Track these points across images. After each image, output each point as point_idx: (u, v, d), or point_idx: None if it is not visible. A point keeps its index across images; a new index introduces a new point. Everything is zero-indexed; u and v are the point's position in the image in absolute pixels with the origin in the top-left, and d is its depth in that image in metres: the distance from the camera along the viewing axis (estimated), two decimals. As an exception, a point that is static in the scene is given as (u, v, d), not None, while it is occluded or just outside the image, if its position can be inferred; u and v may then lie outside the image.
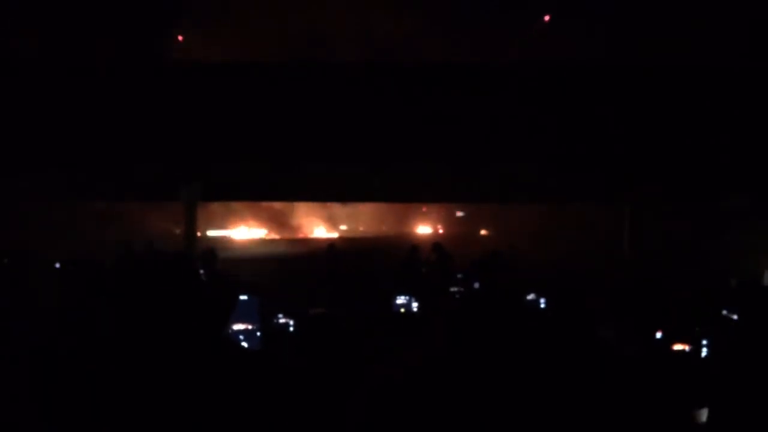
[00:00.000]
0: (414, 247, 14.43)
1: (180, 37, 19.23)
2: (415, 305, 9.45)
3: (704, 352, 6.57)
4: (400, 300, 9.42)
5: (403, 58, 18.65)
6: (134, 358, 4.75)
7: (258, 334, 6.32)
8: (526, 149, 16.92)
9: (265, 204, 23.33)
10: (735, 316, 8.23)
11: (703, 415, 5.17)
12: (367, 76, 17.47)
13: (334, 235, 24.22)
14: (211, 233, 22.35)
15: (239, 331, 6.15)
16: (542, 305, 7.48)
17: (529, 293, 7.82)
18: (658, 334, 6.92)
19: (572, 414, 4.24)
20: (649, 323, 7.33)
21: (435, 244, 13.84)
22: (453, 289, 9.98)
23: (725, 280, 11.60)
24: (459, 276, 11.65)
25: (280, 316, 7.11)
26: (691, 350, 6.62)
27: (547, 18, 18.65)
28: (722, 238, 17.15)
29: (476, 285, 10.56)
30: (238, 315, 6.12)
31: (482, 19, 18.75)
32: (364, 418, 3.84)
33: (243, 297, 6.19)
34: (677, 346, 6.66)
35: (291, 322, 7.09)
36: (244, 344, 6.10)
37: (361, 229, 24.70)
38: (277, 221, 24.31)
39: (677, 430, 5.04)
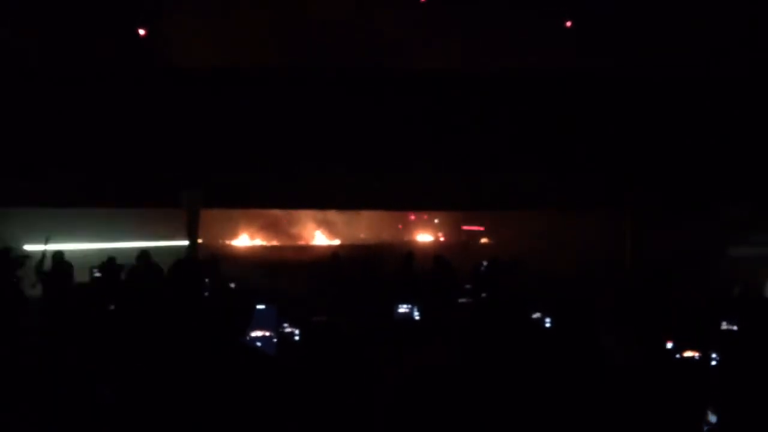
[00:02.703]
0: (409, 253, 14.45)
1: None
2: (416, 314, 9.48)
3: (713, 362, 6.60)
4: (403, 308, 9.46)
5: (405, 65, 18.68)
6: (140, 363, 4.79)
7: (274, 340, 6.42)
8: (527, 157, 16.95)
9: (264, 212, 23.34)
10: (735, 327, 8.27)
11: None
12: (369, 84, 17.50)
13: (335, 242, 24.25)
14: (212, 240, 22.36)
15: (257, 338, 6.25)
16: (547, 324, 7.50)
17: (534, 312, 7.81)
18: (669, 344, 6.96)
19: (577, 422, 4.28)
20: (652, 331, 7.37)
21: (436, 257, 13.87)
22: (462, 300, 10.00)
23: (727, 288, 11.64)
24: (467, 287, 11.66)
25: (286, 325, 7.16)
26: (699, 358, 6.66)
27: (568, 24, 18.66)
28: (724, 246, 17.19)
29: (483, 295, 10.58)
30: (255, 323, 6.22)
31: (484, 26, 18.79)
32: (373, 423, 3.88)
33: (260, 306, 6.28)
34: (687, 353, 6.70)
35: (296, 331, 7.14)
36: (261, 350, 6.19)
37: (361, 236, 24.70)
38: (276, 229, 24.33)
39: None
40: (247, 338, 6.12)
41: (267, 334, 6.38)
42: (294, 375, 4.85)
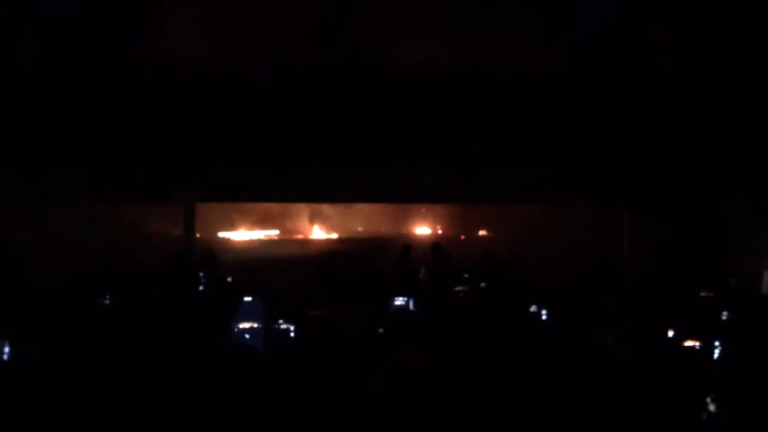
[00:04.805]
0: (406, 246, 14.45)
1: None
2: (412, 306, 9.46)
3: (716, 353, 6.60)
4: (399, 301, 9.44)
5: (402, 61, 18.64)
6: (135, 360, 4.76)
7: (262, 333, 6.37)
8: (525, 151, 16.95)
9: (259, 206, 23.30)
10: (735, 317, 8.27)
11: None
12: (366, 79, 17.48)
13: (333, 236, 24.23)
14: (209, 234, 22.33)
15: (244, 330, 6.21)
16: (544, 317, 7.50)
17: (530, 305, 7.81)
18: (670, 333, 6.96)
19: (576, 416, 4.25)
20: (650, 325, 7.36)
21: (434, 244, 13.89)
22: (458, 288, 10.00)
23: (725, 281, 11.64)
24: (465, 276, 11.67)
25: (281, 321, 7.11)
26: (700, 347, 6.65)
27: None
28: (722, 239, 17.17)
29: (482, 285, 10.58)
30: (243, 315, 6.17)
31: (481, 22, 18.73)
32: (370, 419, 3.83)
33: (247, 298, 6.24)
34: (688, 342, 6.69)
35: (292, 328, 7.10)
36: (249, 343, 6.14)
37: (359, 229, 24.67)
38: (272, 223, 24.28)
39: (682, 427, 5.06)
40: (235, 330, 6.08)
41: (255, 325, 6.33)
42: (287, 372, 4.82)
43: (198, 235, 18.90)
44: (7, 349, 6.91)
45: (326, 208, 24.24)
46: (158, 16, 18.68)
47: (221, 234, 23.64)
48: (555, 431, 4.16)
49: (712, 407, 5.12)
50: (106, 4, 18.47)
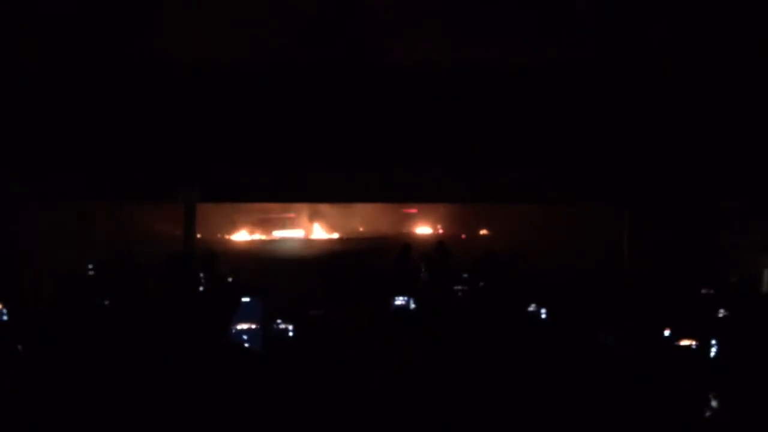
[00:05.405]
0: (406, 246, 14.46)
1: None
2: (413, 306, 9.47)
3: (713, 351, 6.61)
4: (399, 301, 9.44)
5: (401, 61, 18.63)
6: (135, 360, 4.76)
7: (260, 333, 6.37)
8: (525, 151, 16.95)
9: (259, 207, 23.30)
10: (733, 315, 8.28)
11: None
12: (366, 79, 17.48)
13: (334, 236, 24.22)
14: (209, 235, 22.32)
15: (242, 331, 6.20)
16: (543, 316, 7.52)
17: (530, 305, 7.83)
18: (666, 332, 6.97)
19: (576, 415, 4.25)
20: (650, 324, 7.36)
21: (438, 242, 13.91)
22: (457, 287, 10.03)
23: (725, 280, 11.65)
24: (465, 276, 11.70)
25: (280, 321, 7.11)
26: (696, 346, 6.66)
27: None
28: (722, 239, 17.18)
29: (481, 284, 10.60)
30: (241, 315, 6.16)
31: (481, 22, 18.72)
32: (370, 419, 3.84)
33: (246, 299, 6.23)
34: (684, 342, 6.71)
35: (290, 327, 7.10)
36: (247, 344, 6.14)
37: (360, 229, 24.67)
38: (273, 223, 24.26)
39: (681, 425, 5.07)
40: (233, 331, 6.07)
41: (253, 326, 6.32)
42: (287, 372, 4.82)
43: (198, 235, 18.90)
44: (4, 310, 6.95)
45: (326, 208, 24.22)
46: (158, 16, 18.67)
47: (223, 235, 23.64)
48: (555, 431, 4.16)
49: (714, 403, 5.12)
50: (106, 4, 18.45)
